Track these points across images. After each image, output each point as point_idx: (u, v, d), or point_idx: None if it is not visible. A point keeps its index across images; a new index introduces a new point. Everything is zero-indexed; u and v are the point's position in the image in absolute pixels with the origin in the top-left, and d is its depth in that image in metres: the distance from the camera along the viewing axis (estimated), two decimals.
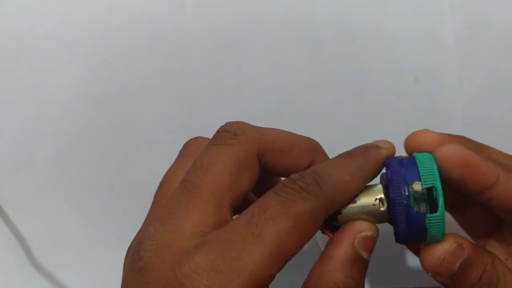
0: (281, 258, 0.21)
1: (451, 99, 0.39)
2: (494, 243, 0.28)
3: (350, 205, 0.24)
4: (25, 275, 0.38)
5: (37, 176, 0.40)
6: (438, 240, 0.24)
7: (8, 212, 0.39)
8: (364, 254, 0.23)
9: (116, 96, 0.41)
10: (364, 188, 0.24)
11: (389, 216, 0.24)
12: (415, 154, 0.25)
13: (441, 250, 0.24)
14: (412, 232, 0.23)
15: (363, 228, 0.23)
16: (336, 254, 0.23)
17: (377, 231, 0.24)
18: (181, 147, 0.39)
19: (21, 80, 0.42)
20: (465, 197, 0.26)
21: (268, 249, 0.21)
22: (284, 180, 0.23)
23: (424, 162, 0.24)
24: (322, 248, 0.37)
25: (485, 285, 0.24)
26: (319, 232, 0.37)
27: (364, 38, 0.40)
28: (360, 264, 0.23)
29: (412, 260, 0.36)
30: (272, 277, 0.21)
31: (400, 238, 0.24)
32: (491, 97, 0.39)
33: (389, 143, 0.26)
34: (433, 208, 0.23)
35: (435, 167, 0.23)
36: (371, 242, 0.24)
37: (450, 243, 0.24)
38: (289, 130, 0.37)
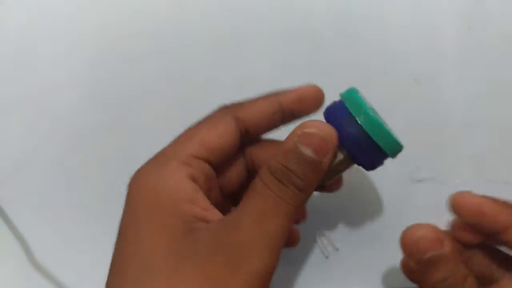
0: (201, 146, 0.27)
1: (451, 99, 0.39)
2: None
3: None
4: (25, 275, 0.38)
5: (37, 176, 0.40)
6: (396, 146, 0.26)
7: (8, 212, 0.39)
8: (305, 150, 0.24)
9: (116, 96, 0.41)
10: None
11: (347, 152, 0.26)
12: (341, 94, 0.28)
13: (420, 233, 0.26)
14: (368, 150, 0.25)
15: (305, 126, 0.24)
16: (279, 146, 0.24)
17: (325, 130, 0.24)
18: None
19: (21, 80, 0.42)
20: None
21: (186, 138, 0.28)
22: None
23: (348, 95, 0.27)
24: (322, 249, 0.37)
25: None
26: (318, 233, 0.37)
27: (364, 38, 0.40)
28: (296, 157, 0.24)
29: None
30: (192, 157, 0.27)
31: (366, 163, 0.27)
32: (491, 97, 0.39)
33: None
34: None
35: (355, 93, 0.27)
36: (313, 139, 0.24)
37: (431, 231, 0.25)
38: (289, 130, 0.38)
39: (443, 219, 0.36)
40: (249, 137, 0.29)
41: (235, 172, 0.29)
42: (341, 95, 0.28)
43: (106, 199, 0.39)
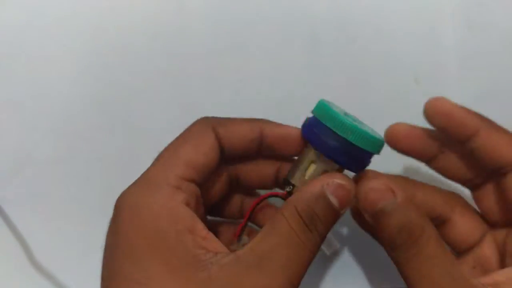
0: (186, 165, 0.27)
1: (451, 99, 0.39)
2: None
3: (294, 171, 0.27)
4: (25, 275, 0.38)
5: (37, 176, 0.40)
6: (376, 142, 0.27)
7: (8, 212, 0.39)
8: (332, 199, 0.24)
9: (116, 96, 0.41)
10: (299, 160, 0.28)
11: (338, 164, 0.27)
12: (313, 111, 0.28)
13: (368, 185, 0.25)
14: (351, 153, 0.26)
15: (335, 176, 0.25)
16: (306, 189, 0.25)
17: (351, 184, 0.25)
18: None
19: (21, 80, 0.42)
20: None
21: (174, 160, 0.27)
22: None
23: (318, 109, 0.28)
24: (323, 248, 0.37)
25: (404, 237, 0.25)
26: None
27: (364, 38, 0.40)
28: (324, 204, 0.24)
29: None
30: (183, 180, 0.26)
31: (351, 166, 0.27)
32: (491, 97, 0.39)
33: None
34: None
35: (324, 105, 0.28)
36: (341, 190, 0.24)
37: (382, 183, 0.25)
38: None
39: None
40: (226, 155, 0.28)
41: (217, 187, 0.29)
42: (314, 111, 0.29)
43: (106, 199, 0.39)
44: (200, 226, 0.25)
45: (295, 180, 0.27)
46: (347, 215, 0.38)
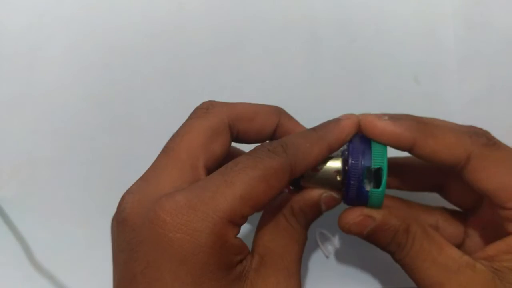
0: (250, 203, 0.24)
1: (451, 99, 0.39)
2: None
3: (313, 172, 0.29)
4: (25, 275, 0.38)
5: (37, 176, 0.40)
6: (377, 207, 0.29)
7: (8, 212, 0.39)
8: (323, 206, 0.29)
9: (116, 96, 0.41)
10: (327, 159, 0.29)
11: (343, 186, 0.29)
12: (373, 142, 0.29)
13: (347, 219, 0.29)
14: (358, 201, 0.29)
15: (332, 191, 0.29)
16: (306, 192, 0.29)
17: (340, 199, 0.29)
18: None
19: (21, 80, 0.42)
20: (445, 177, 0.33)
21: (239, 193, 0.24)
22: (255, 146, 0.27)
23: (377, 151, 0.28)
24: (322, 249, 0.37)
25: (395, 247, 0.28)
26: (318, 233, 0.37)
27: (364, 38, 0.40)
28: (312, 208, 0.29)
29: None
30: (243, 218, 0.24)
31: (347, 202, 0.30)
32: (491, 97, 0.39)
33: (352, 115, 0.30)
34: (378, 184, 0.28)
35: (385, 153, 0.28)
36: (332, 201, 0.29)
37: (356, 214, 0.29)
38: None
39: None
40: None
41: (223, 149, 0.30)
42: (373, 145, 0.29)
43: (106, 199, 0.39)
44: (231, 234, 0.25)
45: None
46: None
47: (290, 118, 0.32)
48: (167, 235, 0.23)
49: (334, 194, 0.29)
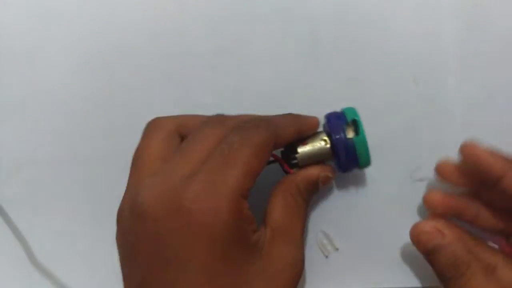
0: (251, 176, 0.29)
1: (450, 99, 0.39)
2: None
3: (303, 146, 0.34)
4: (26, 275, 0.38)
5: (38, 176, 0.40)
6: (368, 163, 0.34)
7: (8, 212, 0.39)
8: (320, 184, 0.33)
9: (116, 96, 0.41)
10: (312, 135, 0.34)
11: (333, 150, 0.34)
12: (343, 108, 0.35)
13: (419, 228, 0.32)
14: (349, 158, 0.34)
15: (327, 169, 0.34)
16: (306, 172, 0.33)
17: (333, 174, 0.35)
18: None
19: (22, 80, 0.42)
20: None
21: (241, 171, 0.28)
22: (240, 123, 0.31)
23: (349, 110, 0.34)
24: (322, 249, 0.37)
25: (452, 273, 0.30)
26: (318, 233, 0.37)
27: (363, 38, 0.40)
28: (313, 185, 0.33)
29: (412, 260, 0.36)
30: (248, 191, 0.29)
31: (342, 166, 0.34)
32: (490, 97, 0.39)
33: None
34: (358, 133, 0.33)
35: (355, 111, 0.34)
36: (327, 180, 0.34)
37: (428, 225, 0.32)
38: None
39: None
40: None
41: None
42: (344, 109, 0.35)
43: (107, 199, 0.39)
44: (245, 207, 0.29)
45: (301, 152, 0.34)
46: (344, 215, 0.38)
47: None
48: (195, 221, 0.27)
49: (329, 174, 0.34)
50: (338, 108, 0.35)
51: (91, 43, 0.42)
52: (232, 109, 0.40)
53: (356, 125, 0.33)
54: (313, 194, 0.34)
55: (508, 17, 0.40)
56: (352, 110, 0.34)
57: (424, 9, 0.41)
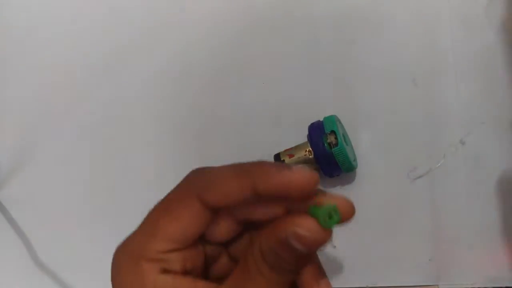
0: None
1: (449, 100, 0.39)
2: None
3: (290, 158, 0.36)
4: (28, 274, 0.38)
5: (40, 176, 0.40)
6: (350, 168, 0.35)
7: (11, 212, 0.39)
8: (296, 245, 0.23)
9: (116, 96, 0.41)
10: (297, 146, 0.36)
11: (315, 160, 0.36)
12: (324, 118, 0.37)
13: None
14: (331, 167, 0.35)
15: (297, 223, 0.23)
16: (271, 232, 0.24)
17: (315, 229, 0.23)
18: (181, 147, 0.39)
19: (23, 80, 0.42)
20: None
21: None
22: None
23: (327, 120, 0.36)
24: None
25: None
26: None
27: (363, 40, 0.41)
28: (288, 249, 0.23)
29: (410, 258, 0.37)
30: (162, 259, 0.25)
31: (327, 174, 0.36)
32: (489, 98, 0.39)
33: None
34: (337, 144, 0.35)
35: (333, 120, 0.36)
36: (306, 240, 0.23)
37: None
38: (289, 132, 0.37)
39: (441, 217, 0.36)
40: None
41: (223, 230, 0.27)
42: (324, 118, 0.36)
43: (107, 199, 0.39)
44: (181, 286, 0.25)
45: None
46: None
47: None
48: None
49: (300, 231, 0.23)
50: (335, 112, 0.36)
51: (91, 43, 0.42)
52: (230, 109, 0.40)
53: (334, 134, 0.35)
54: (295, 263, 0.24)
55: (508, 17, 0.40)
56: (331, 119, 0.36)
57: (423, 10, 0.41)
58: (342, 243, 0.37)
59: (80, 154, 0.40)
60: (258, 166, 0.24)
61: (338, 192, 0.38)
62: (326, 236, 0.23)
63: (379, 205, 0.38)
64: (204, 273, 0.27)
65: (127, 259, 0.26)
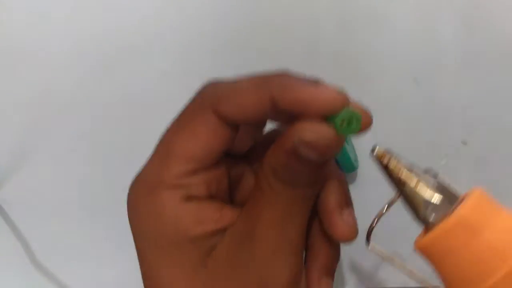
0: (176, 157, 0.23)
1: (450, 99, 0.39)
2: None
3: None
4: (26, 275, 0.38)
5: (38, 176, 0.40)
6: (352, 169, 0.35)
7: (9, 213, 0.39)
8: (307, 153, 0.21)
9: (116, 95, 0.41)
10: None
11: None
12: None
13: None
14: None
15: (305, 129, 0.20)
16: (278, 145, 0.21)
17: (327, 138, 0.21)
18: None
19: (22, 80, 0.42)
20: None
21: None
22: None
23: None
24: None
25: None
26: None
27: (363, 39, 0.41)
28: (300, 159, 0.21)
29: (412, 260, 0.36)
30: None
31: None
32: (491, 97, 0.39)
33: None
34: None
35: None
36: (317, 147, 0.21)
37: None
38: None
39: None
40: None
41: (244, 142, 0.25)
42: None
43: (107, 199, 0.39)
44: (210, 211, 0.22)
45: None
46: None
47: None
48: None
49: (308, 138, 0.20)
50: None
51: (91, 43, 0.42)
52: None
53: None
54: (312, 172, 0.21)
55: (508, 18, 0.40)
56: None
57: (424, 9, 0.41)
58: (342, 245, 0.37)
59: (79, 154, 0.40)
60: (279, 77, 0.22)
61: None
62: (340, 140, 0.21)
63: (381, 206, 0.38)
64: (228, 197, 0.24)
65: (142, 189, 0.23)
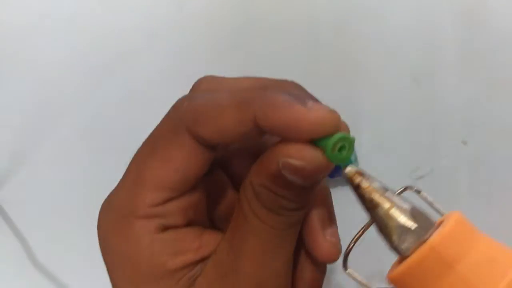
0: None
1: (450, 99, 0.39)
2: None
3: None
4: (26, 275, 0.38)
5: (38, 176, 0.40)
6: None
7: (9, 213, 0.39)
8: (292, 177, 0.19)
9: (116, 95, 0.41)
10: None
11: None
12: None
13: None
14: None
15: (289, 153, 0.18)
16: (261, 168, 0.19)
17: (314, 163, 0.18)
18: None
19: (22, 80, 0.42)
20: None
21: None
22: None
23: None
24: None
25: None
26: None
27: (363, 38, 0.41)
28: (284, 183, 0.19)
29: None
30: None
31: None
32: (491, 97, 0.39)
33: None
34: None
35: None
36: (302, 172, 0.18)
37: None
38: None
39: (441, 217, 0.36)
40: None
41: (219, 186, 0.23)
42: None
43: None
44: (188, 241, 0.21)
45: None
46: (344, 215, 0.38)
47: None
48: None
49: (293, 162, 0.18)
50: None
51: (91, 43, 0.42)
52: None
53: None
54: (296, 198, 0.20)
55: (508, 17, 0.40)
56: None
57: (424, 9, 0.41)
58: (343, 245, 0.37)
59: (79, 154, 0.40)
60: (263, 94, 0.19)
61: (338, 192, 0.38)
62: (328, 163, 0.19)
63: None
64: (207, 218, 0.23)
65: (114, 218, 0.21)
